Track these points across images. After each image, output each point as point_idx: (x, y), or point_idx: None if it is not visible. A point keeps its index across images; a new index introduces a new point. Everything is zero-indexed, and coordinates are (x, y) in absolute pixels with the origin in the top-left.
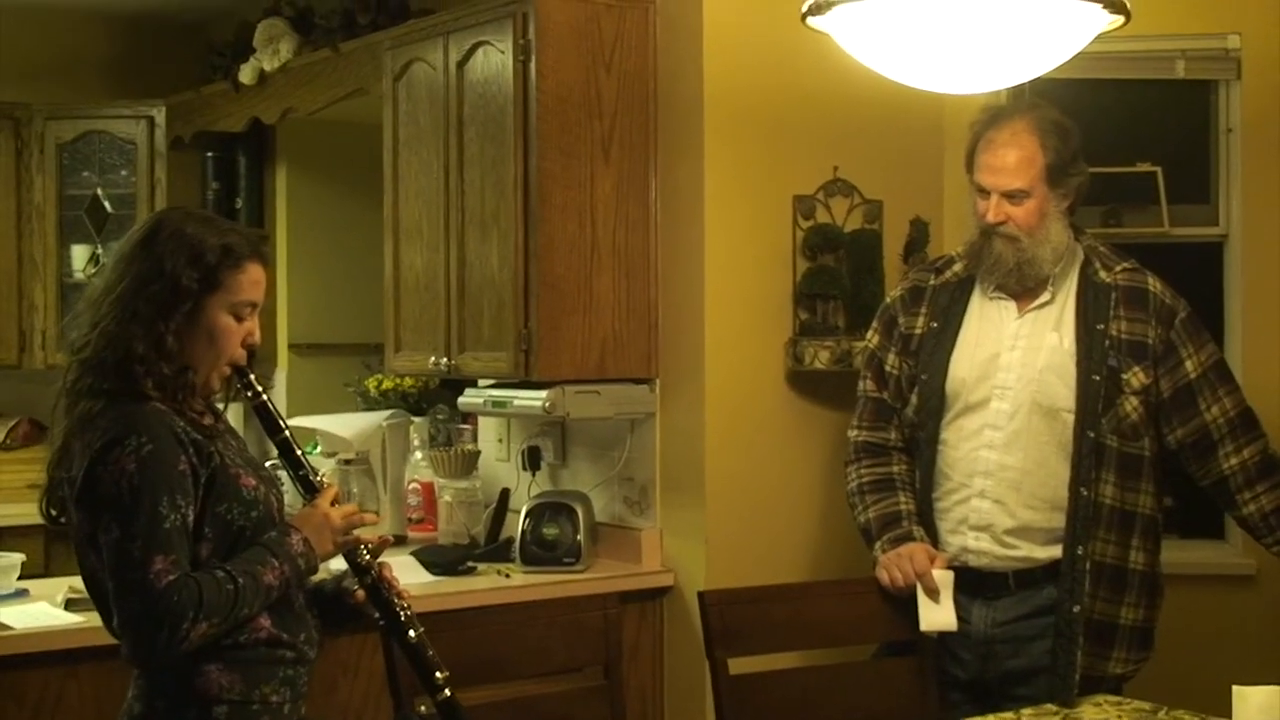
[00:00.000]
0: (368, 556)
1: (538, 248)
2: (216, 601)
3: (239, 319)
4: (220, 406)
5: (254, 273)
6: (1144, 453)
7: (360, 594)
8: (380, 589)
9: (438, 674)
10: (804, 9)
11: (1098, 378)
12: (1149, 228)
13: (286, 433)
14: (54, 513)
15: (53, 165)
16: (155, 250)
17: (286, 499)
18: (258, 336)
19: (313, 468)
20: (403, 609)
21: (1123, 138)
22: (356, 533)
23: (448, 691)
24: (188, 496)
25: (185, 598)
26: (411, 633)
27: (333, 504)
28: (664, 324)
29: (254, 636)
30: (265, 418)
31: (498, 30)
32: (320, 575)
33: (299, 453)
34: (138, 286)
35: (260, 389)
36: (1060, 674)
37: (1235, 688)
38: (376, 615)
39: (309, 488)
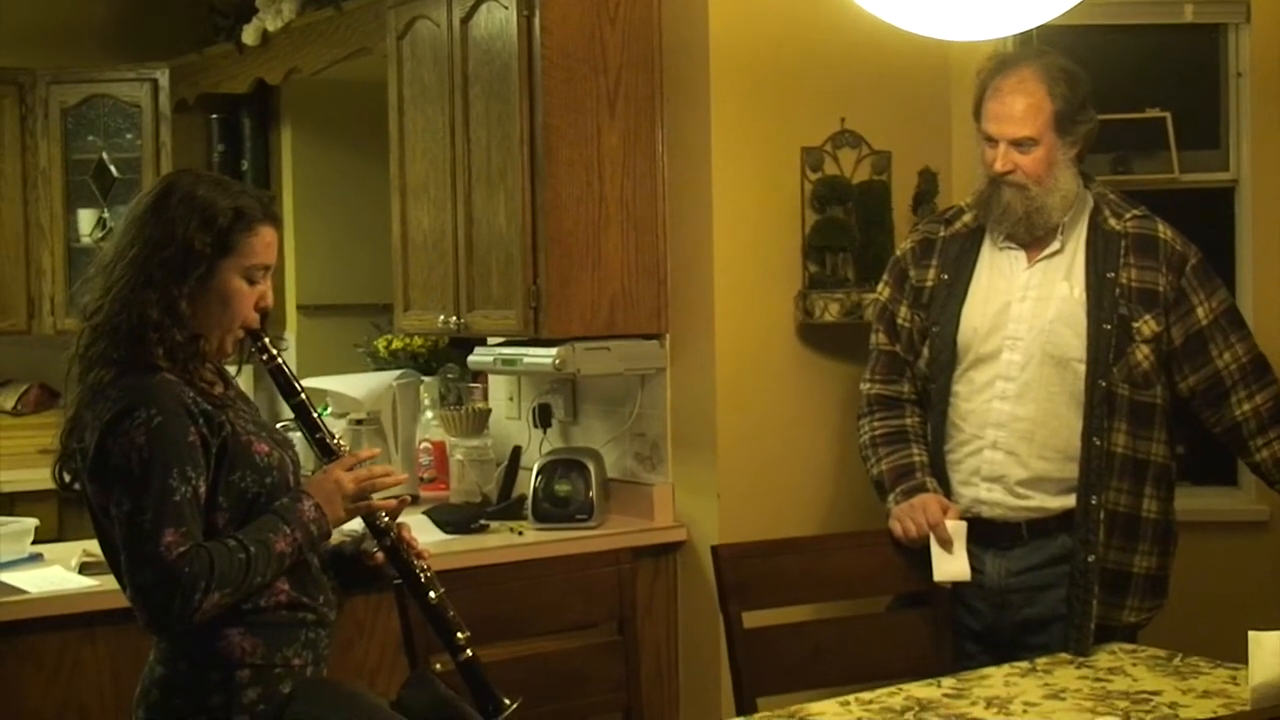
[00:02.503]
0: (386, 519)
1: (545, 204)
2: (228, 571)
3: (252, 282)
4: (233, 370)
5: (266, 235)
6: (1156, 401)
7: (379, 556)
8: (400, 551)
9: (459, 634)
10: None
11: (1109, 326)
12: (1159, 174)
13: (302, 396)
14: (67, 479)
15: (57, 130)
16: (167, 214)
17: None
18: (270, 299)
19: (329, 431)
20: (423, 570)
21: (1131, 83)
22: (375, 497)
23: (469, 651)
24: (199, 468)
25: (197, 568)
26: (432, 594)
27: (349, 470)
28: (673, 278)
29: (274, 600)
30: (281, 381)
31: None
32: (339, 537)
33: (315, 415)
34: (150, 251)
35: (275, 352)
36: (1075, 623)
37: (1251, 633)
38: (395, 577)
39: (326, 451)
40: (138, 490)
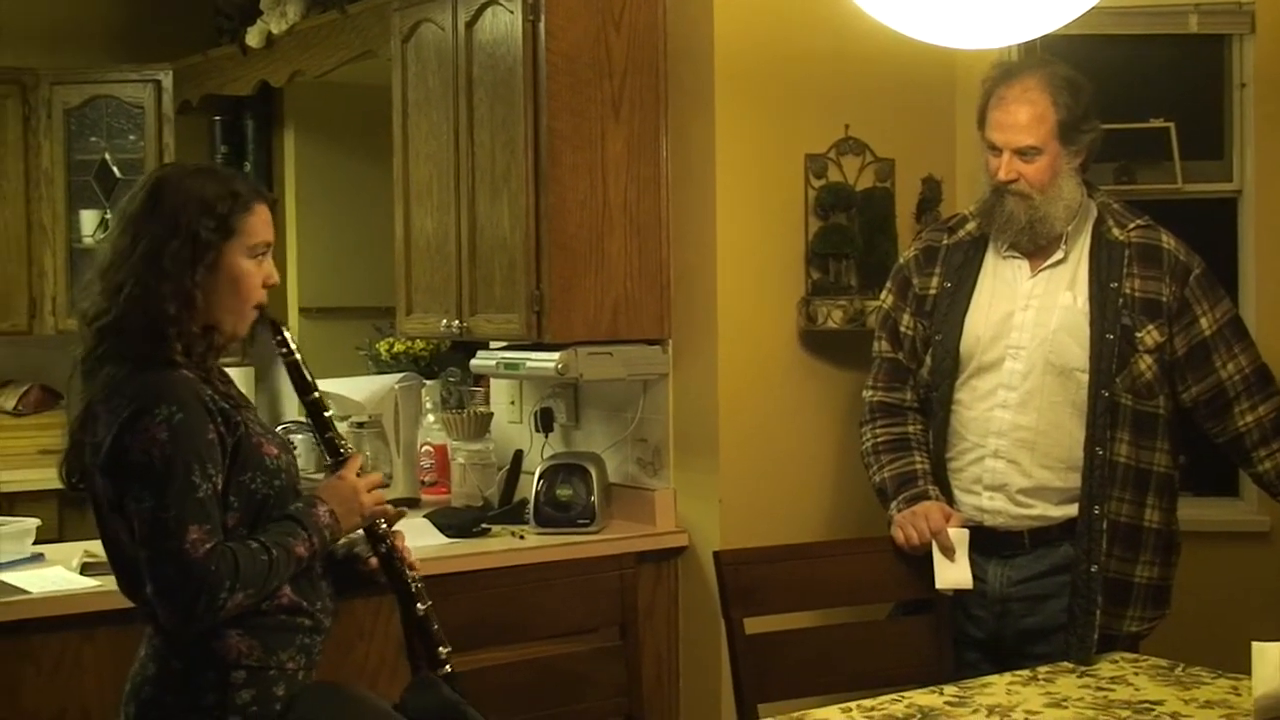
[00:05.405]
0: (384, 525)
1: (548, 208)
2: (252, 572)
3: (256, 260)
4: (233, 374)
5: (263, 213)
6: (1159, 411)
7: (373, 561)
8: (394, 559)
9: (441, 649)
10: None
11: (1111, 336)
12: (1162, 184)
13: (316, 394)
14: (74, 479)
15: (60, 131)
16: (165, 208)
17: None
18: (276, 276)
19: (339, 431)
20: (413, 581)
21: (1135, 93)
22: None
23: (449, 667)
24: (217, 465)
25: (223, 567)
26: (420, 606)
27: (359, 473)
28: (676, 284)
29: (275, 603)
30: (297, 377)
31: None
32: None
33: (327, 415)
34: (158, 247)
35: (293, 347)
36: (1077, 633)
37: (1255, 644)
38: (386, 583)
39: (334, 452)
40: (160, 487)
